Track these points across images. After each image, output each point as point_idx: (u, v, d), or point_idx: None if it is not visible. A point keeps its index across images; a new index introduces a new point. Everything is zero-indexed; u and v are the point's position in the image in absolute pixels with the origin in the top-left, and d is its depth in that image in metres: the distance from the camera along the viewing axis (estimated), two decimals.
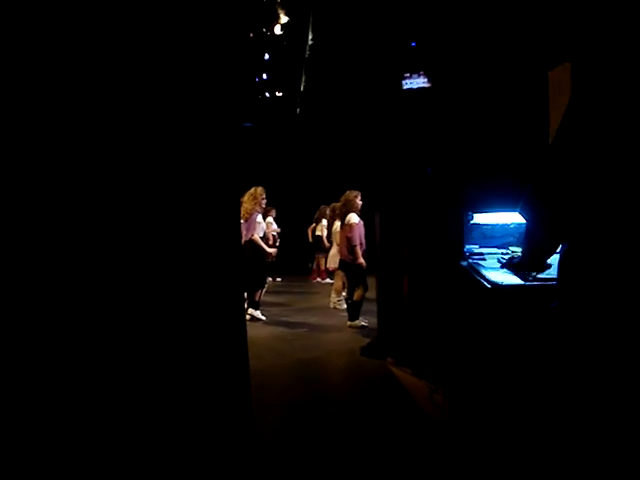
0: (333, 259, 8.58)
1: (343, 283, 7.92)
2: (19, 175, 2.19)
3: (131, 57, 2.46)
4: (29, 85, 2.22)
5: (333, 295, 8.65)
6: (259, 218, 7.24)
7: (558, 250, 2.05)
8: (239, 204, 3.02)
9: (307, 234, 11.44)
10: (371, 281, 6.78)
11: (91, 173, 2.35)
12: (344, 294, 7.87)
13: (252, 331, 6.72)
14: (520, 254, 2.74)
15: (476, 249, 3.30)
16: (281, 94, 9.79)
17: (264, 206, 7.41)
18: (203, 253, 2.67)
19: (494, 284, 2.69)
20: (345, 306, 7.56)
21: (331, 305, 8.48)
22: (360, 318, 7.10)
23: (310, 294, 10.51)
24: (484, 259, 3.16)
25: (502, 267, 2.90)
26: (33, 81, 2.23)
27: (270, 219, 10.39)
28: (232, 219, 2.95)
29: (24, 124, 2.22)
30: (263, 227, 7.36)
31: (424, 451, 3.16)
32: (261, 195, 7.18)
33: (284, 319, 7.76)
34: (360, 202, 7.16)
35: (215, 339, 2.72)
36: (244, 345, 2.92)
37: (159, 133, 2.54)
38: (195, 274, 2.64)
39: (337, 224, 7.91)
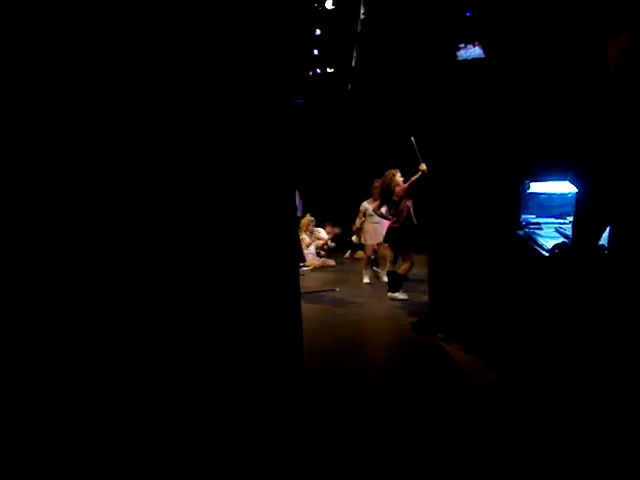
0: (372, 234, 8.71)
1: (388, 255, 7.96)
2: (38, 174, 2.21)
3: (180, 31, 2.47)
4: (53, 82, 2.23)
5: (380, 269, 8.68)
6: None
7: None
8: (292, 181, 3.03)
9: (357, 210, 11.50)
10: (422, 259, 6.74)
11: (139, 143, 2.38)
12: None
13: (303, 306, 6.77)
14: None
15: (533, 219, 3.23)
16: (332, 70, 9.73)
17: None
18: (259, 230, 2.68)
19: (552, 253, 2.61)
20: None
21: (383, 278, 8.44)
22: (400, 292, 7.18)
23: (357, 270, 10.49)
24: (541, 228, 3.09)
25: (552, 251, 2.77)
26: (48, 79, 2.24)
27: (324, 234, 10.66)
28: (287, 196, 2.96)
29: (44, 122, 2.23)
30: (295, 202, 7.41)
31: (474, 425, 3.13)
32: None
33: (334, 294, 7.78)
34: (401, 178, 7.30)
35: (271, 312, 2.74)
36: (298, 317, 2.95)
37: (209, 110, 2.55)
38: (252, 248, 2.66)
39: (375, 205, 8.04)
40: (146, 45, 2.37)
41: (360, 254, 12.08)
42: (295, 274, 3.05)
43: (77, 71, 2.23)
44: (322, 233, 11.38)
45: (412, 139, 6.82)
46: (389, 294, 7.25)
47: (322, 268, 10.38)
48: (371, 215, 8.60)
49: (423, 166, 6.77)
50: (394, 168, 7.39)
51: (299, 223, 9.78)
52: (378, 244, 8.55)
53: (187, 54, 2.47)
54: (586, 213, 2.05)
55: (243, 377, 2.57)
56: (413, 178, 6.99)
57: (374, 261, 9.08)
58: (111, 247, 2.27)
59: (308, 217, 10.71)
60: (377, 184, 7.92)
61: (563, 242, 2.52)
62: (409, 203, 7.19)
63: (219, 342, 2.51)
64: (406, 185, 7.11)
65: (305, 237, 10.47)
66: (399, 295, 7.18)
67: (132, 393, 2.29)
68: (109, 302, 2.28)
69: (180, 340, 2.40)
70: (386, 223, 7.78)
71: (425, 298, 5.94)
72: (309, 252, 10.45)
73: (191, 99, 2.50)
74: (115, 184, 2.29)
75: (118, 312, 2.29)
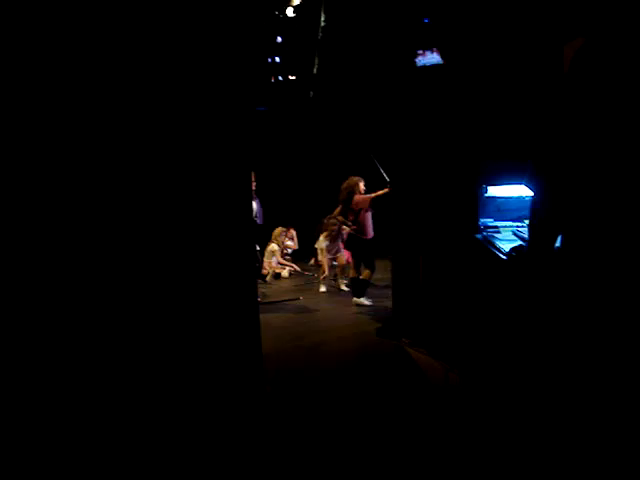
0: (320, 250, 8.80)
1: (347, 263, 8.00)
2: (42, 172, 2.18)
3: (142, 42, 2.43)
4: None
5: (340, 277, 8.73)
6: None
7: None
8: (250, 188, 3.02)
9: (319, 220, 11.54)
10: (385, 264, 6.76)
11: (101, 162, 2.34)
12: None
13: (267, 315, 6.75)
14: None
15: (491, 222, 3.25)
16: (294, 77, 9.71)
17: (254, 189, 7.44)
18: (216, 237, 2.66)
19: (509, 256, 2.63)
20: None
21: (341, 287, 8.48)
22: (364, 297, 7.24)
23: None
24: (499, 232, 3.11)
25: (510, 253, 2.79)
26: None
27: (290, 242, 10.67)
28: (244, 202, 2.94)
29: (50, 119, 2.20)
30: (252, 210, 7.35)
31: (437, 427, 3.13)
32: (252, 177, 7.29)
33: (298, 302, 7.75)
34: (363, 187, 7.32)
35: (229, 322, 2.72)
36: (257, 326, 2.93)
37: (171, 118, 2.53)
38: (209, 256, 2.64)
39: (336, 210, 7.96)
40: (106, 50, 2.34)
41: (324, 260, 12.13)
42: (251, 279, 3.03)
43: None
44: (287, 241, 11.37)
45: (372, 157, 6.86)
46: (354, 299, 7.29)
47: (285, 277, 10.37)
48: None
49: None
50: (358, 176, 7.38)
51: (262, 231, 9.75)
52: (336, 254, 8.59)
53: (146, 59, 2.44)
54: (541, 215, 2.06)
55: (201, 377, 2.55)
56: (379, 192, 7.00)
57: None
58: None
59: (280, 228, 10.70)
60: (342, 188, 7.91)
61: (520, 245, 2.54)
62: (368, 214, 7.22)
63: (174, 344, 2.48)
64: (369, 197, 7.13)
65: (275, 248, 10.44)
66: (364, 301, 7.22)
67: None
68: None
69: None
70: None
71: (389, 304, 5.96)
72: (271, 260, 10.41)
73: (150, 108, 2.47)
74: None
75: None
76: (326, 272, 8.79)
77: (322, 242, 8.66)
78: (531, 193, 2.14)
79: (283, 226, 11.04)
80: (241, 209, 2.87)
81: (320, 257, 9.05)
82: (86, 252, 2.28)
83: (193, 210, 2.56)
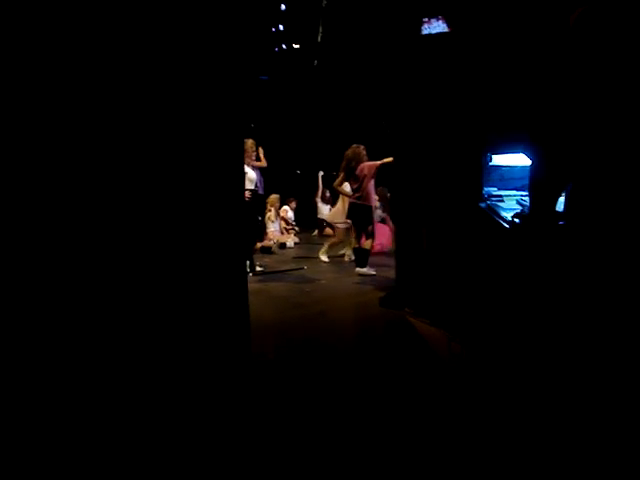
0: (338, 214, 8.61)
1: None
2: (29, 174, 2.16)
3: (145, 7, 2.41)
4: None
5: (346, 248, 8.68)
6: (246, 169, 7.16)
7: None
8: (242, 161, 3.00)
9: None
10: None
11: (100, 133, 2.33)
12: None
13: (270, 284, 6.78)
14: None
15: (495, 191, 3.25)
16: (298, 46, 9.63)
17: (254, 158, 7.50)
18: (207, 207, 2.65)
19: (512, 224, 2.64)
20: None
21: (346, 258, 8.49)
22: (367, 267, 7.26)
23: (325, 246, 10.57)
24: (502, 201, 3.11)
25: (512, 219, 2.80)
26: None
27: (287, 208, 10.63)
28: (237, 173, 2.93)
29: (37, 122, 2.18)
30: (251, 177, 7.29)
31: (438, 396, 3.16)
32: (251, 148, 7.39)
33: (302, 272, 7.79)
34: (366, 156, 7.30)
35: (217, 292, 2.72)
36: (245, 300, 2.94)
37: (173, 89, 2.51)
38: (200, 225, 2.63)
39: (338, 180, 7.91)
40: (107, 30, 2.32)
41: (328, 231, 12.15)
42: (239, 251, 3.02)
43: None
44: (289, 212, 11.37)
45: (384, 125, 6.81)
46: (357, 269, 7.30)
47: (290, 247, 10.39)
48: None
49: None
50: (361, 144, 7.35)
51: (264, 201, 9.75)
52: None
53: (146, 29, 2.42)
54: (539, 180, 2.09)
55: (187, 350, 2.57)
56: (386, 160, 6.96)
57: None
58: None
59: (275, 195, 10.67)
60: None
61: (522, 210, 2.55)
62: (372, 183, 7.21)
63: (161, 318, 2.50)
64: (376, 165, 7.10)
65: (271, 214, 10.44)
66: (367, 270, 7.23)
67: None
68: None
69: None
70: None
71: (392, 273, 5.97)
72: (275, 229, 10.44)
73: (151, 73, 2.45)
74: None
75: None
76: (342, 237, 8.73)
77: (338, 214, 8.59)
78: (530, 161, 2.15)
79: (284, 196, 11.07)
80: (231, 182, 2.86)
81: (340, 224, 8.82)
82: (68, 232, 2.28)
83: (177, 185, 2.55)
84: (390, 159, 6.66)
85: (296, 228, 10.99)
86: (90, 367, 2.29)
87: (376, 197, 7.99)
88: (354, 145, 7.36)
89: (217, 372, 2.73)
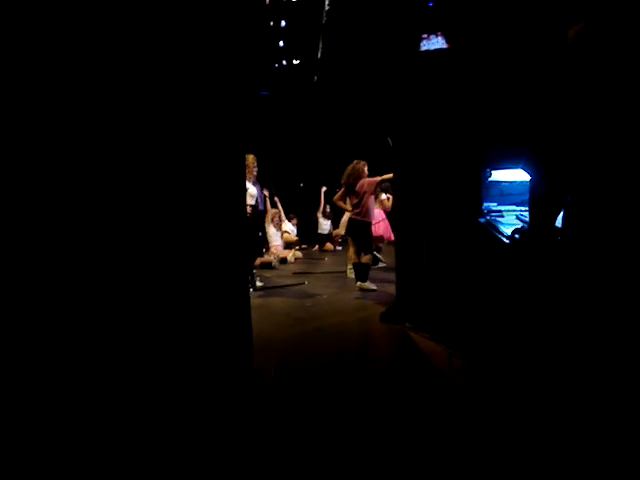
0: (344, 227, 8.61)
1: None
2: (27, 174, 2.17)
3: (148, 23, 2.43)
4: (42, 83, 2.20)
5: (349, 265, 8.64)
6: (247, 184, 7.18)
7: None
8: (244, 174, 3.01)
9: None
10: (389, 249, 6.76)
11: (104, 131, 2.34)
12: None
13: (270, 299, 6.77)
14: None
15: (494, 206, 3.25)
16: (298, 62, 9.68)
17: (255, 174, 7.49)
18: (210, 222, 2.65)
19: (512, 239, 2.63)
20: None
21: (348, 274, 8.48)
22: (368, 282, 7.25)
23: (326, 262, 10.61)
24: (502, 216, 3.11)
25: (512, 235, 2.80)
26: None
27: (290, 226, 10.63)
28: (238, 188, 2.94)
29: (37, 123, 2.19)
30: (252, 193, 7.30)
31: (439, 411, 3.15)
32: (253, 163, 7.36)
33: (302, 287, 7.78)
34: (366, 172, 7.33)
35: (219, 307, 2.72)
36: (247, 313, 2.93)
37: (175, 101, 2.52)
38: (204, 240, 2.63)
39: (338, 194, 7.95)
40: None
41: (329, 246, 12.16)
42: (242, 267, 3.02)
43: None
44: (288, 225, 11.36)
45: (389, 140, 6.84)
46: (358, 284, 7.30)
47: (290, 262, 10.38)
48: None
49: None
50: (363, 160, 7.38)
51: (264, 216, 9.77)
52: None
53: (144, 41, 2.43)
54: (539, 196, 2.09)
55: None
56: (386, 176, 6.98)
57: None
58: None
59: (275, 210, 10.68)
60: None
61: (522, 226, 2.55)
62: (372, 199, 7.23)
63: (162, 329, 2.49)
64: (375, 181, 7.13)
65: (272, 228, 10.44)
66: (368, 285, 7.22)
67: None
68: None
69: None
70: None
71: (393, 288, 5.97)
72: (277, 244, 10.43)
73: (153, 89, 2.46)
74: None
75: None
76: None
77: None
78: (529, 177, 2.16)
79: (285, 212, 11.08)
80: (233, 197, 2.86)
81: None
82: (71, 235, 2.28)
83: (183, 195, 2.55)
84: (390, 175, 6.68)
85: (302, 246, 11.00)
86: (95, 376, 2.30)
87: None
88: (355, 160, 7.39)
89: (218, 389, 2.72)
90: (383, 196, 8.82)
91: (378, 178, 7.14)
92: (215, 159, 2.68)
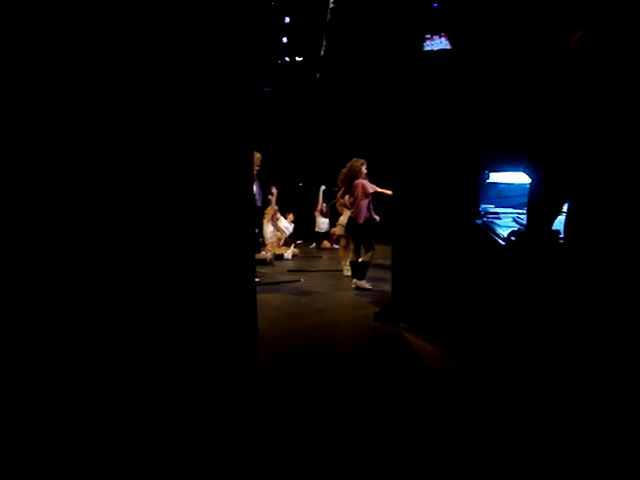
0: (342, 226, 8.57)
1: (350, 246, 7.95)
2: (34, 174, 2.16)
3: (151, 18, 2.42)
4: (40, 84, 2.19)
5: (345, 262, 8.64)
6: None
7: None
8: (252, 168, 3.00)
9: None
10: (385, 249, 6.76)
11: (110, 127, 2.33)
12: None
13: (266, 295, 6.76)
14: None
15: (492, 208, 3.25)
16: (301, 59, 9.67)
17: (257, 170, 7.44)
18: (217, 217, 2.65)
19: (508, 241, 2.63)
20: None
21: (344, 272, 8.47)
22: (364, 281, 7.26)
23: (323, 260, 10.63)
24: (499, 218, 3.11)
25: (509, 237, 2.79)
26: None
27: (286, 223, 10.61)
28: (246, 184, 2.93)
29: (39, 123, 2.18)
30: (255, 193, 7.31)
31: (431, 412, 3.15)
32: (258, 160, 7.33)
33: (298, 284, 7.78)
34: (365, 170, 7.27)
35: (226, 301, 2.71)
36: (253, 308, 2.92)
37: (178, 97, 2.51)
38: (210, 235, 2.63)
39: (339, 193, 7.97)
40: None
41: (326, 244, 12.14)
42: (250, 261, 3.02)
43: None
44: (284, 222, 11.33)
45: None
46: (354, 281, 7.31)
47: (287, 259, 10.37)
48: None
49: None
50: (362, 158, 7.35)
51: (261, 213, 9.75)
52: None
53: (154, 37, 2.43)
54: (538, 199, 2.09)
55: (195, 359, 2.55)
56: (385, 191, 6.94)
57: None
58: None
59: (273, 206, 10.66)
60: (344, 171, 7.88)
61: (519, 228, 2.55)
62: (365, 201, 7.20)
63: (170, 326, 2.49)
64: (370, 190, 7.11)
65: (269, 225, 10.42)
66: (364, 284, 7.23)
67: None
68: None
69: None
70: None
71: (388, 288, 5.96)
72: (273, 241, 10.41)
73: (157, 85, 2.46)
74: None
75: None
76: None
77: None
78: (530, 180, 2.16)
79: (282, 209, 11.05)
80: (241, 193, 2.85)
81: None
82: (75, 235, 2.27)
83: (191, 193, 2.55)
84: (389, 192, 6.56)
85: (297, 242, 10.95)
86: (99, 376, 2.29)
87: None
88: (354, 159, 7.37)
89: (223, 387, 2.72)
90: None
91: (375, 189, 7.11)
92: (226, 156, 2.67)
